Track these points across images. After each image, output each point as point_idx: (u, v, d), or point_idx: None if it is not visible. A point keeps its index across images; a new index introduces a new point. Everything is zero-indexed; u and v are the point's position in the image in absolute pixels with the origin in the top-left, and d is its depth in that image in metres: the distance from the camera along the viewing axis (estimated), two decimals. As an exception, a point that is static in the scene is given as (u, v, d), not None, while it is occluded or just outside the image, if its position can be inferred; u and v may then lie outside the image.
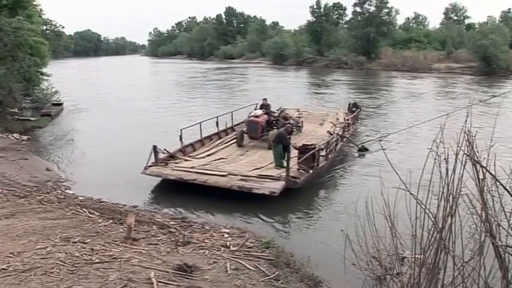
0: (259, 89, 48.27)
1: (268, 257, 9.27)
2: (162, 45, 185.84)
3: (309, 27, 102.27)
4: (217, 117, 21.42)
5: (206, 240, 10.01)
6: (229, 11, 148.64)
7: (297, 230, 12.29)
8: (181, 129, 17.97)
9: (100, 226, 10.36)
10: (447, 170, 5.44)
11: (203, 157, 17.71)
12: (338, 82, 57.55)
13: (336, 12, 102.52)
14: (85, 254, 8.15)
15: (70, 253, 8.10)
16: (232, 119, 23.01)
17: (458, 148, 5.42)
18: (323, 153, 16.96)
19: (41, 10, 35.62)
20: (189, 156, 17.82)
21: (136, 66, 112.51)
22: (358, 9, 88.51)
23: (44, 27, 37.79)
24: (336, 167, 18.02)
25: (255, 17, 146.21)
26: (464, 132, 5.35)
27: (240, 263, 8.66)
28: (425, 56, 77.52)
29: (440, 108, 32.95)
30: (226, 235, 10.71)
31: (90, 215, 11.37)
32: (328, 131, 21.96)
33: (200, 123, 19.72)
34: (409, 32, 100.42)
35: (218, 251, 9.28)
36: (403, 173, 5.98)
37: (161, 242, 9.55)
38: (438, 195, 5.57)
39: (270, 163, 16.22)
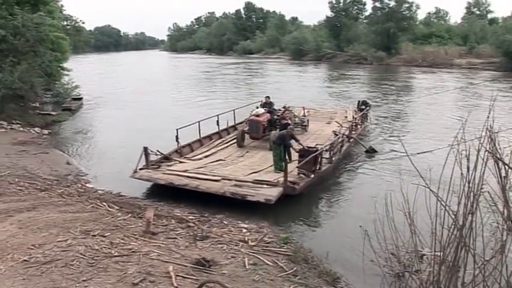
0: (274, 85, 48.20)
1: (287, 252, 9.27)
2: (181, 40, 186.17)
3: (328, 22, 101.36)
4: (217, 115, 20.44)
5: (224, 235, 10.04)
6: (249, 6, 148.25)
7: (315, 226, 12.23)
8: (177, 129, 17.12)
9: (119, 220, 10.46)
10: (468, 167, 5.38)
11: (200, 159, 16.97)
12: (356, 78, 56.89)
13: (356, 7, 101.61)
14: (104, 247, 8.24)
15: (90, 246, 8.20)
16: (234, 117, 22.11)
17: (480, 145, 5.36)
18: (327, 155, 15.98)
19: (61, 6, 35.99)
20: (186, 157, 17.10)
21: (155, 61, 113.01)
22: (378, 4, 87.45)
23: (65, 23, 38.04)
24: (347, 167, 17.47)
25: (274, 12, 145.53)
26: (486, 129, 5.29)
27: (258, 258, 8.68)
28: (446, 52, 76.16)
29: (461, 104, 32.59)
30: (244, 230, 10.73)
31: (110, 209, 11.49)
32: (333, 131, 20.89)
33: (199, 122, 18.74)
34: (429, 27, 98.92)
35: (236, 245, 9.31)
36: (423, 171, 5.94)
37: (180, 236, 9.61)
38: (459, 192, 5.52)
39: (270, 166, 15.36)
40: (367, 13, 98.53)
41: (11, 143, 19.82)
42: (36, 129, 23.79)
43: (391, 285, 6.87)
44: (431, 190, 5.63)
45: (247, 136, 19.13)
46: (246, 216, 11.90)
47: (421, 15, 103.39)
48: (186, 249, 8.68)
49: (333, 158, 16.27)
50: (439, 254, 5.67)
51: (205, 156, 17.27)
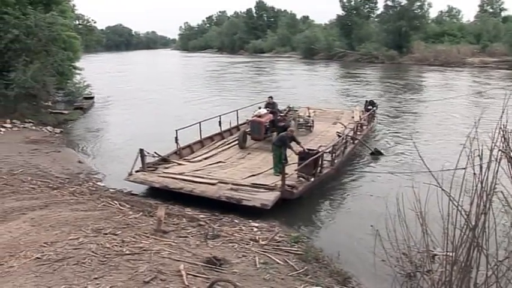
0: (282, 83, 48.21)
1: (297, 251, 9.27)
2: (193, 40, 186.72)
3: (339, 21, 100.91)
4: (219, 116, 20.08)
5: (235, 234, 10.05)
6: (260, 5, 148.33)
7: (326, 225, 12.21)
8: (176, 130, 16.82)
9: (130, 218, 10.51)
10: (481, 166, 5.33)
11: (199, 160, 16.67)
12: (366, 77, 56.55)
13: (367, 6, 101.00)
14: (116, 245, 8.28)
15: (101, 244, 8.24)
16: (237, 117, 21.63)
17: (493, 144, 5.31)
18: (329, 157, 15.55)
19: (73, 5, 36.18)
20: (185, 159, 16.80)
21: (166, 60, 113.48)
22: (389, 2, 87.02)
23: (77, 22, 38.28)
24: (352, 168, 17.13)
25: (285, 11, 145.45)
26: (500, 128, 5.24)
27: (269, 257, 8.68)
28: (459, 50, 75.52)
29: (473, 103, 32.34)
30: (255, 229, 10.73)
31: (121, 207, 11.55)
32: (337, 132, 20.32)
33: (200, 122, 18.50)
34: (442, 25, 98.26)
35: (247, 244, 9.31)
36: (435, 170, 5.90)
37: (191, 235, 9.63)
38: (471, 192, 5.47)
39: (270, 168, 15.01)
40: (378, 12, 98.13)
41: (23, 142, 20.01)
42: (49, 128, 24.01)
43: (403, 285, 6.84)
44: (443, 190, 5.59)
45: (249, 137, 18.75)
46: (257, 215, 11.89)
47: (433, 13, 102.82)
48: (197, 248, 8.69)
49: (335, 161, 15.84)
50: (451, 254, 5.63)
51: (205, 158, 17.01)
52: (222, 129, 20.24)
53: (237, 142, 18.67)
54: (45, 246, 8.03)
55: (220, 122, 19.89)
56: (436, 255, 6.81)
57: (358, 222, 11.76)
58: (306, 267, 8.48)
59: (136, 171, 14.74)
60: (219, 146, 18.83)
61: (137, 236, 8.99)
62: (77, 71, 32.23)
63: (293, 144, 15.06)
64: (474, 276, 5.47)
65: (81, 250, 7.88)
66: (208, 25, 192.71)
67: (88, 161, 18.51)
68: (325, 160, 15.13)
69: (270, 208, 12.05)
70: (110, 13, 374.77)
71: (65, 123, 26.49)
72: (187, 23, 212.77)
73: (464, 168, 5.57)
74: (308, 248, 9.56)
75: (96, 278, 6.83)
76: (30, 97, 25.41)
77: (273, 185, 13.19)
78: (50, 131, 23.43)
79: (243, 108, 22.90)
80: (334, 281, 8.44)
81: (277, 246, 9.45)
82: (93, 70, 50.05)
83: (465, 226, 5.40)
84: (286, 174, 13.32)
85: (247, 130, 19.03)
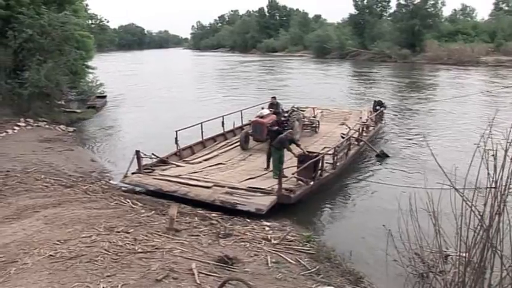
0: (291, 82, 48.17)
1: (309, 251, 9.25)
2: (205, 39, 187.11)
3: (352, 20, 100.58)
4: (222, 116, 19.74)
5: (247, 233, 10.05)
6: (272, 4, 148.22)
7: (338, 224, 12.20)
8: (176, 131, 16.61)
9: (143, 216, 10.55)
10: (495, 166, 5.29)
11: (199, 162, 16.42)
12: (378, 76, 56.26)
13: (380, 5, 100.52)
14: (128, 243, 8.30)
15: (114, 242, 8.27)
16: (241, 118, 21.27)
17: (508, 143, 5.26)
18: (331, 160, 15.13)
19: (86, 5, 36.47)
20: (184, 160, 16.56)
21: (178, 60, 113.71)
22: (402, 1, 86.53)
23: (90, 22, 38.58)
24: (358, 170, 16.86)
25: (297, 9, 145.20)
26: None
27: (281, 256, 8.67)
28: (473, 49, 74.52)
29: (487, 103, 32.03)
30: (267, 228, 10.72)
31: (133, 206, 11.60)
32: (341, 134, 19.48)
33: (201, 123, 18.28)
34: (455, 24, 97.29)
35: (259, 243, 9.31)
36: (448, 170, 5.85)
37: (203, 234, 9.65)
38: (485, 192, 5.43)
39: (270, 171, 14.60)
40: (391, 10, 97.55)
41: (37, 140, 20.17)
42: (62, 126, 24.19)
43: (415, 285, 6.81)
44: (456, 190, 5.56)
45: (251, 138, 18.46)
46: (269, 214, 11.88)
47: (446, 12, 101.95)
48: (209, 247, 8.71)
49: (337, 164, 15.39)
50: (464, 255, 5.59)
51: (205, 160, 16.78)
52: (225, 130, 19.99)
53: (239, 143, 18.41)
54: (58, 244, 8.07)
55: (223, 122, 19.61)
56: (448, 255, 6.77)
57: (370, 222, 11.71)
58: (317, 267, 8.47)
59: (133, 173, 14.62)
60: (220, 147, 18.63)
61: (149, 234, 9.02)
62: (90, 70, 32.43)
63: (293, 146, 14.81)
64: (488, 278, 5.43)
65: (93, 248, 7.92)
66: (220, 24, 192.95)
67: (101, 160, 18.65)
68: (327, 162, 14.77)
69: (264, 213, 11.70)
70: (122, 12, 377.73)
71: (78, 122, 26.71)
72: (199, 22, 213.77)
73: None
74: (320, 247, 9.55)
75: (108, 276, 6.86)
76: (43, 96, 25.62)
77: (269, 188, 12.87)
78: (63, 130, 23.61)
79: (248, 108, 22.68)
80: (346, 280, 8.41)
81: (289, 245, 9.44)
82: (106, 69, 50.40)
83: (479, 227, 5.36)
84: (286, 177, 13.21)
85: (249, 131, 18.73)
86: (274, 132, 16.07)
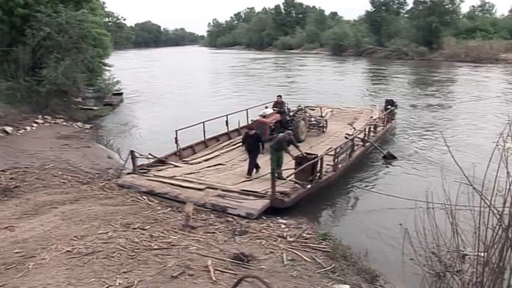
0: (303, 79, 48.04)
1: (325, 249, 9.23)
2: (221, 36, 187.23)
3: (368, 17, 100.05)
4: (226, 115, 19.44)
5: (263, 230, 10.06)
6: (288, 2, 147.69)
7: (354, 223, 12.09)
8: (176, 131, 16.46)
9: (159, 213, 10.62)
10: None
11: (198, 162, 16.13)
12: (394, 74, 55.59)
13: (396, 1, 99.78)
14: (144, 240, 8.36)
15: (130, 239, 8.34)
16: (247, 116, 20.54)
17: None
18: (331, 162, 14.53)
19: (103, 3, 36.74)
20: (184, 160, 16.30)
21: (194, 57, 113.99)
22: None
23: (107, 20, 38.78)
24: (365, 169, 16.55)
25: (314, 7, 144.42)
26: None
27: (297, 254, 8.66)
28: (491, 46, 73.29)
29: (505, 102, 31.59)
30: (283, 226, 10.71)
31: (150, 203, 11.68)
32: (347, 134, 18.92)
33: (203, 122, 18.03)
34: (474, 20, 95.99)
35: (275, 241, 9.31)
36: (465, 169, 5.78)
37: (218, 231, 9.68)
38: (504, 191, 5.36)
39: (269, 172, 13.26)
40: (408, 7, 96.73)
41: (55, 137, 20.40)
42: (79, 123, 24.45)
43: (432, 285, 6.73)
44: (474, 188, 5.48)
45: None
46: (285, 211, 11.86)
47: (464, 8, 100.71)
48: (225, 244, 8.73)
49: (339, 166, 14.84)
50: (482, 254, 5.52)
51: (205, 160, 16.48)
52: (230, 129, 19.63)
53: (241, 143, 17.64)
54: (75, 240, 8.16)
55: (227, 121, 19.29)
56: (466, 255, 6.69)
57: (387, 220, 11.65)
58: (333, 265, 8.45)
59: (128, 173, 14.55)
60: (223, 147, 18.31)
61: (165, 231, 9.07)
62: (107, 68, 32.70)
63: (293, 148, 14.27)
64: (507, 278, 5.35)
65: (110, 244, 7.99)
66: (236, 22, 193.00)
67: (117, 157, 18.76)
68: (328, 164, 14.42)
69: (255, 217, 11.24)
70: (139, 10, 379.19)
71: (94, 119, 26.97)
72: (215, 19, 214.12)
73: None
74: (336, 245, 9.50)
75: (125, 272, 6.91)
76: (61, 93, 25.95)
77: (263, 192, 12.44)
78: (80, 127, 23.84)
79: (254, 107, 22.13)
80: (362, 279, 8.38)
81: (305, 243, 9.43)
82: (122, 66, 50.75)
83: (498, 226, 5.28)
84: (284, 179, 13.05)
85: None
86: (251, 137, 14.77)
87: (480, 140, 19.63)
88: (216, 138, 19.00)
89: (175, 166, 15.61)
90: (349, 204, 13.53)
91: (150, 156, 15.80)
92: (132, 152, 14.75)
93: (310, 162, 13.05)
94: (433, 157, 17.58)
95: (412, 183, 14.28)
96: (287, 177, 13.27)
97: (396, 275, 8.52)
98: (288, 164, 13.97)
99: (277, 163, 13.90)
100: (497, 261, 5.30)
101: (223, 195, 12.41)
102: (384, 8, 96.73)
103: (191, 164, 16.04)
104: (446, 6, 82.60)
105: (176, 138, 16.44)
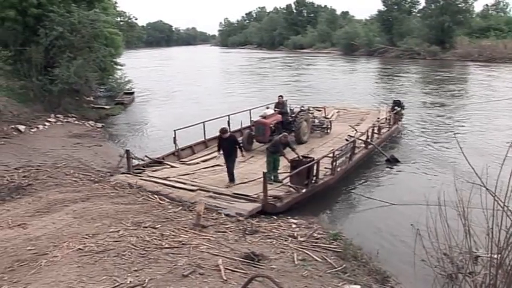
0: (311, 77, 47.94)
1: (336, 249, 9.20)
2: (232, 35, 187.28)
3: (380, 16, 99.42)
4: (228, 115, 19.30)
5: (274, 230, 10.06)
6: (300, 1, 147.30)
7: (365, 223, 12.04)
8: (174, 131, 16.44)
9: (170, 212, 10.64)
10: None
11: (196, 163, 16.01)
12: (406, 73, 55.25)
13: (409, 1, 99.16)
14: (155, 238, 8.39)
15: (141, 237, 8.37)
16: (250, 117, 20.18)
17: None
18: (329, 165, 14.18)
19: (115, 2, 36.86)
20: (181, 161, 16.20)
21: (205, 56, 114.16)
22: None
23: (118, 19, 38.92)
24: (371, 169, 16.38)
25: (325, 6, 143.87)
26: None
27: (307, 253, 8.64)
28: (506, 45, 72.19)
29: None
30: (293, 225, 10.71)
31: (161, 202, 11.71)
32: (348, 136, 18.66)
33: (204, 122, 17.97)
34: (487, 19, 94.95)
35: (285, 241, 9.30)
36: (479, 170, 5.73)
37: (229, 230, 9.68)
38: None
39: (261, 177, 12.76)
40: (420, 6, 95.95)
41: (67, 136, 20.56)
42: (91, 122, 24.61)
43: (443, 286, 6.67)
44: (487, 189, 5.43)
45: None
46: (296, 211, 11.84)
47: (478, 7, 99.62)
48: (236, 243, 8.73)
49: (338, 169, 14.51)
50: (495, 256, 5.46)
51: (203, 161, 16.33)
52: (232, 130, 18.65)
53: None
54: (87, 238, 8.21)
55: (228, 122, 18.87)
56: (479, 256, 6.62)
57: (398, 221, 11.57)
58: (344, 265, 8.41)
59: (122, 173, 14.45)
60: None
61: (176, 230, 9.09)
62: (118, 67, 32.84)
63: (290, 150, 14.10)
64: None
65: (121, 243, 8.03)
66: (247, 21, 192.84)
67: (133, 155, 18.78)
68: (327, 168, 14.18)
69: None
70: (150, 9, 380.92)
71: (106, 118, 27.13)
72: (227, 19, 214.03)
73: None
74: (347, 245, 9.45)
75: (135, 270, 6.94)
76: (73, 92, 26.14)
77: (255, 195, 12.13)
78: (92, 126, 24.00)
79: (258, 107, 21.68)
80: (372, 279, 8.34)
81: (316, 243, 9.41)
82: (134, 65, 51.01)
83: (511, 228, 5.23)
84: (281, 182, 12.92)
85: (252, 132, 18.01)
86: (225, 141, 13.83)
87: (493, 140, 19.45)
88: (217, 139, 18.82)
89: (172, 167, 15.46)
90: (359, 205, 13.43)
91: (146, 157, 15.78)
92: (127, 152, 14.71)
93: (305, 166, 12.84)
94: (443, 158, 17.47)
95: (423, 184, 14.22)
96: (283, 179, 13.14)
97: (407, 276, 8.48)
98: (285, 167, 13.83)
99: (273, 166, 13.73)
100: (511, 263, 5.25)
101: (215, 196, 12.24)
102: (395, 7, 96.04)
103: (188, 164, 15.98)
104: (460, 5, 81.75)
105: (175, 138, 16.46)
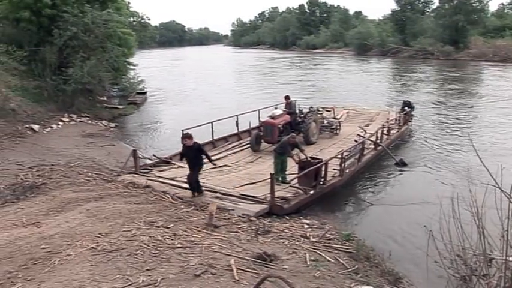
0: (328, 79, 47.72)
1: (348, 249, 9.17)
2: (245, 35, 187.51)
3: (393, 16, 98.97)
4: (237, 116, 19.11)
5: (286, 230, 10.04)
6: (312, 1, 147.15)
7: (378, 224, 11.98)
8: (182, 131, 15.62)
9: (182, 212, 10.66)
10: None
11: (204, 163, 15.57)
12: (418, 73, 54.77)
13: (422, 0, 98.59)
14: (168, 238, 8.42)
15: (153, 237, 8.40)
16: (259, 117, 19.76)
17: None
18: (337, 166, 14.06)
19: (128, 3, 37.09)
20: None
21: (217, 56, 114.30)
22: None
23: (131, 19, 39.13)
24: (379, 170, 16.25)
25: (338, 6, 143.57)
26: None
27: (320, 254, 8.62)
28: (521, 45, 71.62)
29: None
30: (306, 226, 10.69)
31: (173, 201, 11.71)
32: (357, 136, 18.51)
33: (212, 122, 17.79)
34: (503, 19, 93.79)
35: (298, 241, 9.28)
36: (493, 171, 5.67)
37: (241, 230, 9.67)
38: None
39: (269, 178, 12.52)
40: (434, 6, 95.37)
41: (80, 135, 20.71)
42: (104, 122, 24.76)
43: (457, 288, 6.63)
44: (502, 190, 5.38)
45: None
46: (308, 211, 11.81)
47: (493, 6, 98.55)
48: (248, 243, 8.72)
49: (346, 170, 14.38)
50: (511, 259, 5.40)
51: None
52: (240, 130, 19.28)
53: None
54: (99, 237, 8.25)
55: (237, 122, 18.94)
56: (493, 259, 6.55)
57: (410, 222, 11.51)
58: (356, 266, 8.38)
59: (129, 173, 14.37)
60: (231, 147, 17.98)
61: (189, 229, 9.11)
62: (131, 67, 33.00)
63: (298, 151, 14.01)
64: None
65: (134, 242, 8.06)
66: (260, 21, 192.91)
67: (141, 155, 18.84)
68: (335, 169, 14.09)
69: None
70: (163, 9, 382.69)
71: (119, 117, 27.27)
72: (239, 19, 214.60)
73: None
74: (359, 246, 9.41)
75: (148, 270, 6.96)
76: (86, 92, 26.28)
77: (262, 197, 11.98)
78: (105, 125, 24.14)
79: (267, 107, 21.31)
80: (385, 280, 8.30)
81: (328, 243, 9.39)
82: (147, 65, 51.25)
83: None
84: (289, 183, 12.83)
85: (261, 132, 17.84)
86: (189, 149, 12.19)
87: (508, 141, 19.25)
88: (225, 139, 18.72)
89: (179, 167, 15.16)
90: (370, 206, 13.37)
91: (154, 156, 15.78)
92: (134, 152, 14.68)
93: (313, 167, 12.75)
94: (456, 158, 17.34)
95: (435, 185, 14.16)
96: (291, 180, 13.08)
97: (420, 278, 8.44)
98: (294, 168, 13.75)
99: (281, 167, 13.65)
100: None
101: (222, 197, 12.11)
102: (409, 7, 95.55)
103: None
104: (474, 5, 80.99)
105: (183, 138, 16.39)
